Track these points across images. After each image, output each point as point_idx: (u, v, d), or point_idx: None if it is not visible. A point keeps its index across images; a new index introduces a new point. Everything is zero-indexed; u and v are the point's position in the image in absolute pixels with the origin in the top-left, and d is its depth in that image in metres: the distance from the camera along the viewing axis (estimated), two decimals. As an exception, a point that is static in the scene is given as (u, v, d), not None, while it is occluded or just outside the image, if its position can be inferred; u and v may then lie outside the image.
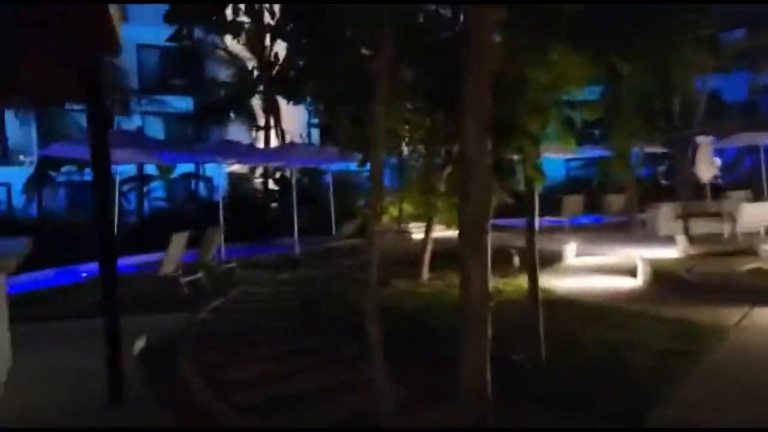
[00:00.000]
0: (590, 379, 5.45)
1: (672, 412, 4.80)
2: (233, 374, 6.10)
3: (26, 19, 4.46)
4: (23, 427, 4.80)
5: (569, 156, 21.48)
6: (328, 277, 12.09)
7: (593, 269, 11.74)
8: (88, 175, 11.99)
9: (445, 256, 10.12)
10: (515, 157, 5.20)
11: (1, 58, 5.07)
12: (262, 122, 25.45)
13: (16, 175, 24.16)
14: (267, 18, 4.48)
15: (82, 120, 18.58)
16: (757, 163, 19.07)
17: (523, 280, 7.30)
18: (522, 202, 6.01)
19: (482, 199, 4.04)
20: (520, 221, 7.44)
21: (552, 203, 19.09)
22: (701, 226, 15.35)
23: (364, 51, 4.52)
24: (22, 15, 4.35)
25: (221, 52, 25.46)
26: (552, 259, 12.48)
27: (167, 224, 14.25)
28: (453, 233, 4.19)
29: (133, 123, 24.51)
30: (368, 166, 4.58)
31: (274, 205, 22.27)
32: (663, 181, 24.56)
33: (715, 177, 17.66)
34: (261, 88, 24.24)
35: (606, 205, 20.97)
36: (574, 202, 20.45)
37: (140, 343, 7.06)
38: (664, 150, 20.48)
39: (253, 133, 26.71)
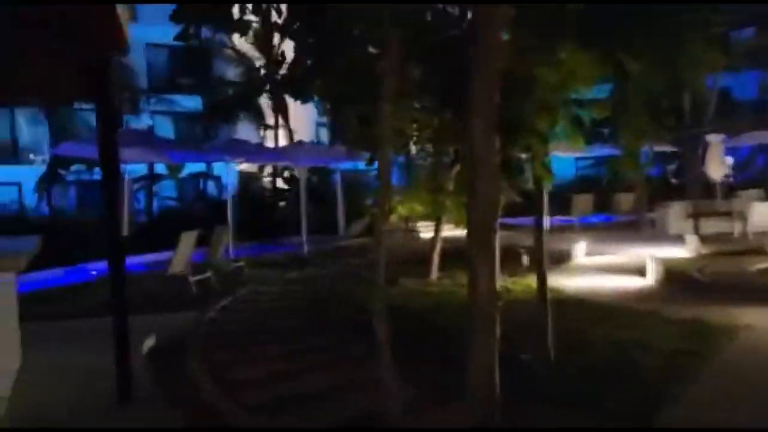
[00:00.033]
0: (599, 378, 5.42)
1: (681, 412, 4.77)
2: (242, 373, 6.11)
3: (33, 19, 4.47)
4: (31, 427, 4.81)
5: (579, 155, 21.40)
6: (337, 276, 12.09)
7: (603, 268, 11.68)
8: (97, 174, 12.05)
9: (454, 255, 10.10)
10: (523, 155, 5.18)
11: (8, 58, 5.08)
12: (270, 121, 25.48)
13: (28, 174, 24.28)
14: (275, 16, 4.47)
15: (93, 119, 18.67)
16: (769, 162, 18.96)
17: (532, 279, 7.27)
18: (531, 201, 5.99)
19: (490, 198, 4.03)
20: (529, 220, 7.42)
21: (561, 202, 19.03)
22: (712, 226, 15.26)
23: (371, 50, 4.50)
24: (29, 15, 4.36)
25: (230, 51, 25.50)
26: (561, 258, 12.44)
27: (176, 223, 14.31)
28: (462, 232, 4.18)
29: (142, 122, 24.62)
30: (376, 165, 4.57)
31: (282, 204, 22.31)
32: (673, 180, 24.45)
33: (726, 176, 17.53)
34: (269, 87, 24.27)
35: (616, 204, 20.88)
36: (583, 201, 20.38)
37: (149, 342, 7.08)
38: (675, 149, 20.37)
39: (262, 132, 26.76)
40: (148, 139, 14.73)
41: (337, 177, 20.28)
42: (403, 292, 9.62)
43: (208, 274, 11.26)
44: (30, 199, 23.57)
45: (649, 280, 10.19)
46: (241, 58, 25.38)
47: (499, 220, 4.18)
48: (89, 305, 9.33)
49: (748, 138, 18.12)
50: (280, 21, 4.47)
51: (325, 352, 6.70)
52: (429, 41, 4.74)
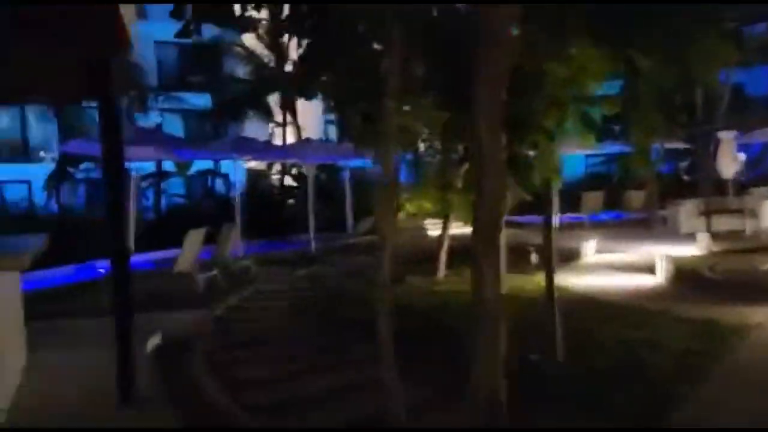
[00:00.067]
0: (608, 379, 5.34)
1: (691, 413, 4.70)
2: (246, 373, 6.07)
3: (36, 18, 4.43)
4: (31, 427, 4.78)
5: (589, 152, 21.24)
6: (344, 274, 12.04)
7: (613, 266, 11.58)
8: (106, 171, 12.07)
9: (461, 253, 10.02)
10: (532, 153, 5.10)
11: (11, 57, 5.05)
12: (279, 118, 25.46)
13: (37, 172, 24.39)
14: (283, 12, 4.45)
15: (101, 117, 18.67)
16: (782, 159, 18.74)
17: (541, 278, 7.20)
18: (540, 199, 5.91)
19: (496, 196, 3.95)
20: (539, 218, 7.34)
21: (571, 199, 18.89)
22: (723, 223, 15.09)
23: (376, 47, 4.44)
24: (31, 14, 4.32)
25: (238, 49, 25.50)
26: (571, 256, 12.34)
27: (184, 221, 14.30)
28: (470, 230, 4.11)
29: (151, 120, 24.66)
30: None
31: (291, 201, 22.29)
32: (685, 177, 24.22)
33: (738, 173, 17.33)
34: (277, 84, 24.25)
35: (626, 201, 20.72)
36: (593, 199, 20.24)
37: (154, 341, 7.05)
38: (686, 145, 20.18)
39: (270, 130, 26.75)
40: (155, 136, 14.74)
41: (346, 174, 20.23)
42: (410, 290, 9.56)
43: (215, 272, 11.23)
44: (40, 197, 23.68)
45: (660, 278, 10.08)
46: (251, 55, 25.39)
47: (509, 218, 4.11)
48: (96, 304, 9.32)
49: (761, 135, 17.90)
50: (282, 18, 4.41)
51: (330, 353, 6.65)
52: (435, 38, 4.67)
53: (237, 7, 4.35)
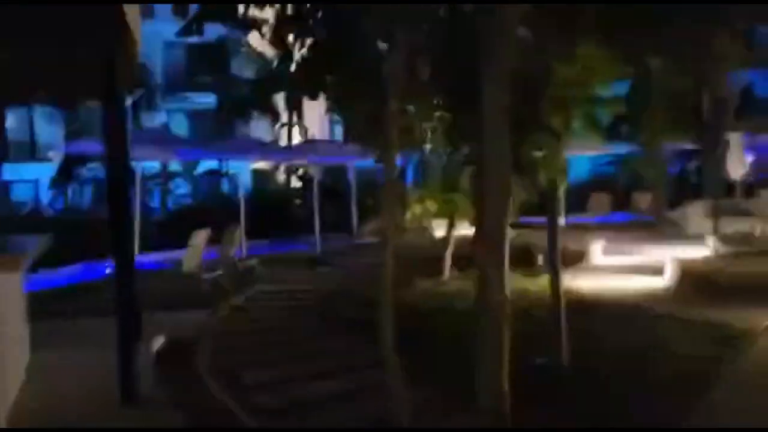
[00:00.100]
0: (612, 384, 5.28)
1: (698, 419, 4.64)
2: (249, 375, 6.04)
3: (40, 19, 4.42)
4: (31, 427, 4.77)
5: (596, 153, 21.14)
6: (349, 275, 12.00)
7: (620, 269, 11.48)
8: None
9: (467, 254, 9.96)
10: (538, 153, 5.04)
11: (15, 57, 5.04)
12: (285, 119, 25.46)
13: (45, 172, 24.48)
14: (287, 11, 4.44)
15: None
16: (792, 161, 18.59)
17: (547, 280, 7.14)
18: (547, 200, 5.86)
19: (500, 198, 3.90)
20: (545, 219, 7.28)
21: (578, 200, 18.81)
22: (732, 225, 14.96)
23: (380, 46, 4.40)
24: (35, 14, 4.31)
25: (245, 49, 25.51)
26: (577, 259, 12.24)
27: (190, 221, 14.28)
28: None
29: (158, 119, 24.72)
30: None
31: (297, 201, 22.28)
32: (693, 179, 24.07)
33: (746, 174, 17.20)
34: (283, 84, 24.22)
35: (634, 202, 20.61)
36: (600, 200, 20.14)
37: (158, 341, 7.03)
38: (695, 147, 20.03)
39: (276, 130, 26.75)
40: (160, 137, 14.75)
41: (351, 175, 20.19)
42: (416, 291, 9.52)
43: (220, 272, 11.21)
44: (47, 197, 23.77)
45: (668, 281, 9.99)
46: (258, 55, 25.38)
47: (517, 219, 4.06)
48: (101, 303, 9.30)
49: (770, 136, 17.76)
50: (285, 17, 4.38)
51: (335, 354, 6.62)
52: (439, 39, 4.62)
53: (241, 6, 4.33)
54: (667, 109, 4.80)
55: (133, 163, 12.80)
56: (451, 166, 10.08)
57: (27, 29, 4.54)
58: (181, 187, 25.33)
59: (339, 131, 29.78)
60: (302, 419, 4.91)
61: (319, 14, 4.42)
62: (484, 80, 3.79)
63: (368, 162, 17.79)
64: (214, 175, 26.10)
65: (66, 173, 22.52)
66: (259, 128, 25.97)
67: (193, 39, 5.65)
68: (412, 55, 4.25)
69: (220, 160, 24.82)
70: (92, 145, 13.86)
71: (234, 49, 25.77)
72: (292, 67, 4.83)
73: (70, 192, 24.30)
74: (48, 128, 27.23)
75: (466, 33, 4.40)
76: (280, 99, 25.31)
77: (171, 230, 16.10)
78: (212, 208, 20.95)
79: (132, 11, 4.76)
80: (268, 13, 4.68)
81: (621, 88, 5.23)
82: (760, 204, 15.71)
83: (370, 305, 8.14)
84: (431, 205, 11.40)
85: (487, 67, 3.79)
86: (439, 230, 13.05)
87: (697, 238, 13.88)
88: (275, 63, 24.26)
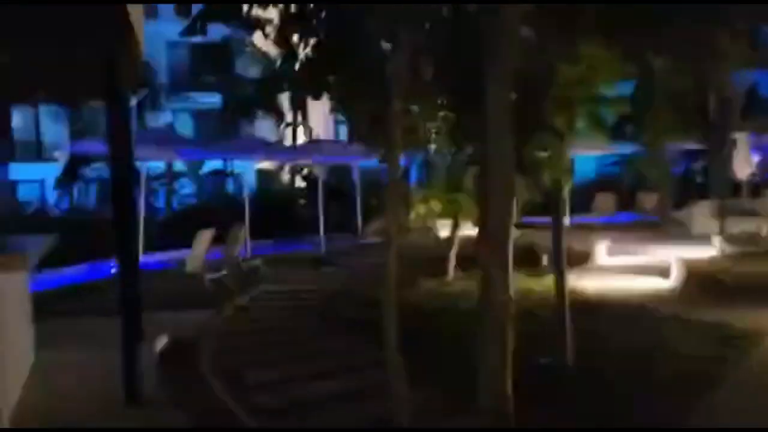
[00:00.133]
0: (617, 384, 5.26)
1: (702, 420, 4.61)
2: (252, 375, 6.03)
3: (43, 19, 4.42)
4: (32, 427, 4.77)
5: (601, 152, 21.08)
6: (353, 275, 11.99)
7: (625, 269, 11.44)
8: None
9: (471, 254, 9.95)
10: (542, 154, 5.03)
11: (21, 57, 5.05)
12: (289, 118, 25.46)
13: (51, 172, 24.55)
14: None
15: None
16: (797, 161, 18.49)
17: (552, 280, 7.13)
18: (551, 200, 5.84)
19: (504, 198, 3.89)
20: (550, 219, 7.27)
21: (584, 201, 18.75)
22: (738, 225, 14.90)
23: (383, 46, 4.39)
24: (39, 14, 4.31)
25: (250, 49, 25.53)
26: (582, 259, 12.20)
27: (195, 221, 14.29)
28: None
29: (163, 119, 24.75)
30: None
31: (301, 201, 22.28)
32: (698, 179, 23.99)
33: (752, 174, 17.13)
34: (287, 84, 24.23)
35: (639, 202, 20.54)
36: (605, 200, 20.09)
37: (162, 341, 7.04)
38: (700, 147, 19.96)
39: (281, 130, 26.77)
40: (165, 137, 14.75)
41: (356, 175, 20.18)
42: (420, 291, 9.51)
43: (224, 272, 11.22)
44: (52, 197, 23.83)
45: (673, 281, 9.95)
46: (262, 55, 25.39)
47: (521, 219, 4.05)
48: (106, 303, 9.31)
49: (776, 136, 17.68)
50: (289, 16, 4.37)
51: (338, 355, 6.61)
52: (443, 38, 4.61)
53: (244, 6, 4.32)
54: (671, 108, 4.78)
55: (138, 163, 12.82)
56: (455, 166, 10.07)
57: (29, 29, 4.55)
58: (186, 187, 25.37)
59: (343, 131, 29.79)
60: (303, 417, 4.91)
61: (323, 14, 4.40)
62: (488, 80, 3.78)
63: (373, 162, 17.78)
64: (219, 175, 26.13)
65: (71, 173, 22.58)
66: (263, 128, 25.97)
67: (197, 39, 5.66)
68: (416, 54, 4.24)
69: (225, 160, 24.85)
70: (97, 145, 13.85)
71: (238, 49, 25.77)
72: (296, 67, 4.80)
73: (75, 192, 24.35)
74: (54, 128, 27.32)
75: (469, 33, 4.39)
76: (284, 99, 25.33)
77: (175, 230, 16.10)
78: (217, 208, 20.96)
79: (135, 11, 4.76)
80: (272, 13, 4.67)
81: (626, 88, 5.21)
82: (767, 204, 15.62)
83: (374, 305, 8.17)
84: (435, 205, 11.38)
85: (490, 67, 3.77)
86: (444, 230, 13.04)
87: (703, 239, 13.83)
88: (278, 62, 24.41)
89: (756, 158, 17.02)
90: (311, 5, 4.60)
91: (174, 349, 6.96)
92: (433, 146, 9.81)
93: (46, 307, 7.69)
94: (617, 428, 4.47)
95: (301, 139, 24.69)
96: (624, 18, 4.22)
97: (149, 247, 13.52)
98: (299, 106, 24.36)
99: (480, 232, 4.00)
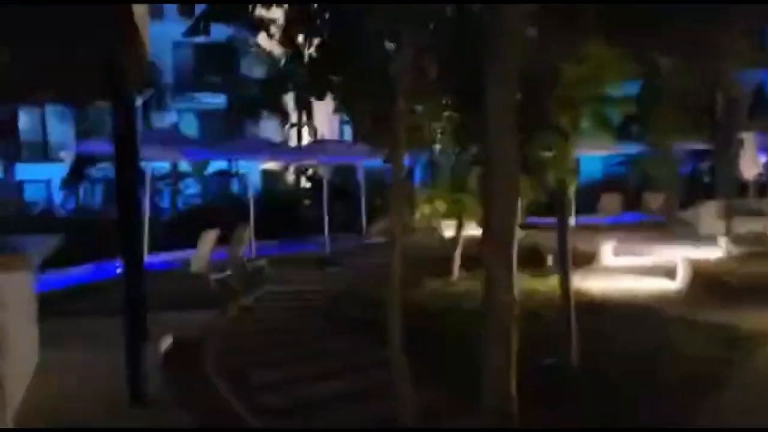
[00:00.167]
0: (622, 385, 5.24)
1: (708, 420, 4.59)
2: (257, 375, 6.03)
3: (48, 19, 4.43)
4: (32, 427, 4.77)
5: (606, 152, 21.01)
6: (358, 275, 11.98)
7: (631, 270, 11.40)
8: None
9: (476, 254, 9.92)
10: (547, 154, 5.01)
11: (26, 57, 5.06)
12: (294, 119, 25.47)
13: (57, 172, 24.62)
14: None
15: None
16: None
17: (557, 280, 7.11)
18: (556, 200, 5.82)
19: (508, 199, 3.87)
20: (555, 219, 7.24)
21: (589, 201, 18.69)
22: (744, 226, 14.82)
23: (387, 46, 4.38)
24: (43, 14, 4.32)
25: (254, 49, 25.55)
26: (588, 259, 12.16)
27: (199, 221, 14.31)
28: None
29: (168, 120, 24.80)
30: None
31: (306, 201, 22.28)
32: (705, 179, 23.90)
33: (759, 174, 17.04)
34: (292, 84, 24.24)
35: (645, 203, 20.45)
36: (611, 200, 20.00)
37: (167, 341, 7.04)
38: (707, 146, 19.87)
39: (285, 130, 26.78)
40: (170, 137, 14.77)
41: (361, 175, 20.17)
42: (425, 291, 9.49)
43: (229, 272, 11.23)
44: (58, 197, 23.90)
45: (679, 282, 9.91)
46: (267, 55, 25.41)
47: (526, 220, 4.03)
48: (111, 303, 9.32)
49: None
50: (292, 16, 4.37)
51: (342, 355, 6.60)
52: (446, 38, 4.60)
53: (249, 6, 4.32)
54: (677, 108, 4.76)
55: (143, 164, 12.85)
56: (460, 166, 10.05)
57: (30, 29, 4.56)
58: (191, 188, 25.41)
59: (348, 131, 29.81)
60: (307, 417, 4.90)
61: (327, 14, 4.39)
62: (488, 80, 3.76)
63: (377, 162, 17.81)
64: (224, 175, 26.16)
65: (77, 173, 22.64)
66: (268, 128, 25.99)
67: (202, 39, 5.69)
68: (420, 54, 4.23)
69: (230, 161, 24.86)
70: (102, 145, 13.89)
71: (243, 49, 25.80)
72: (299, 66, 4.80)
73: (81, 192, 24.42)
74: (60, 128, 27.41)
75: (472, 32, 4.38)
76: (289, 99, 25.35)
77: (180, 230, 16.13)
78: (221, 209, 20.98)
79: (140, 12, 4.76)
80: (276, 13, 4.67)
81: (632, 88, 5.18)
82: (773, 204, 15.55)
83: (378, 305, 8.16)
84: (440, 205, 11.37)
85: (490, 67, 3.76)
86: (448, 230, 13.02)
87: (709, 239, 13.77)
88: (282, 63, 24.41)
89: (763, 158, 16.93)
90: (315, 5, 4.61)
91: (179, 350, 6.96)
92: (437, 146, 9.80)
93: (52, 307, 7.70)
94: (622, 428, 4.44)
95: (306, 139, 24.68)
96: (624, 18, 4.20)
97: (154, 248, 13.54)
98: (304, 106, 24.35)
99: (484, 232, 3.98)
